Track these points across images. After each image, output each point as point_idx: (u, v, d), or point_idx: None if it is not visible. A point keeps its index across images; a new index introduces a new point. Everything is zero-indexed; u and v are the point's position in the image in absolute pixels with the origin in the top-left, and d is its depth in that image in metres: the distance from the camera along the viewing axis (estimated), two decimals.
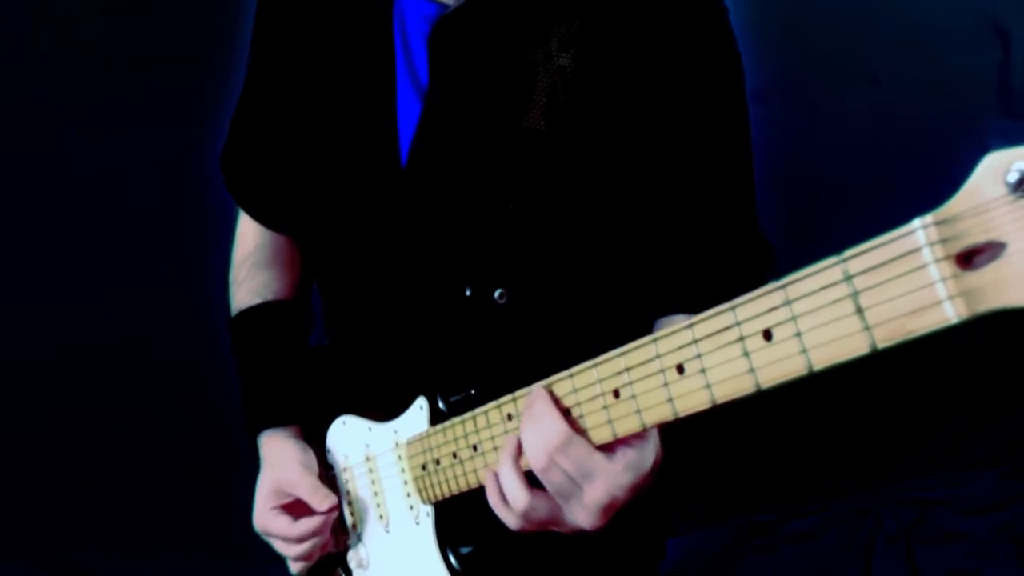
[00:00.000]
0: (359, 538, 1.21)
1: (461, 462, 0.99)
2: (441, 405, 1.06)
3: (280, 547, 1.17)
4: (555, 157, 1.03)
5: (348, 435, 1.19)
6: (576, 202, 1.06)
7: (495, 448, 0.94)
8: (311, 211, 1.19)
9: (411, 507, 1.10)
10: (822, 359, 0.64)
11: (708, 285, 1.04)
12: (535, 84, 1.02)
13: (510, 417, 0.91)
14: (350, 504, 1.21)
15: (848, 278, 0.61)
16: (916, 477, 2.74)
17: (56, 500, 2.83)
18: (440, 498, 1.04)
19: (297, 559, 1.17)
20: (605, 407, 0.81)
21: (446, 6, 1.06)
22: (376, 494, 1.16)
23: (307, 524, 1.13)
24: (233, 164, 1.31)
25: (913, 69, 2.91)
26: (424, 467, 1.05)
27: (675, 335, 0.75)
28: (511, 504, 0.88)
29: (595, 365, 0.82)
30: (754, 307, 0.68)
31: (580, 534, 0.90)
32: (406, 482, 1.10)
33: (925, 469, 2.76)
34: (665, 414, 0.77)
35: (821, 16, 2.90)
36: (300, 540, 1.14)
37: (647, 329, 0.78)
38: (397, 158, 1.09)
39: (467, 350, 1.07)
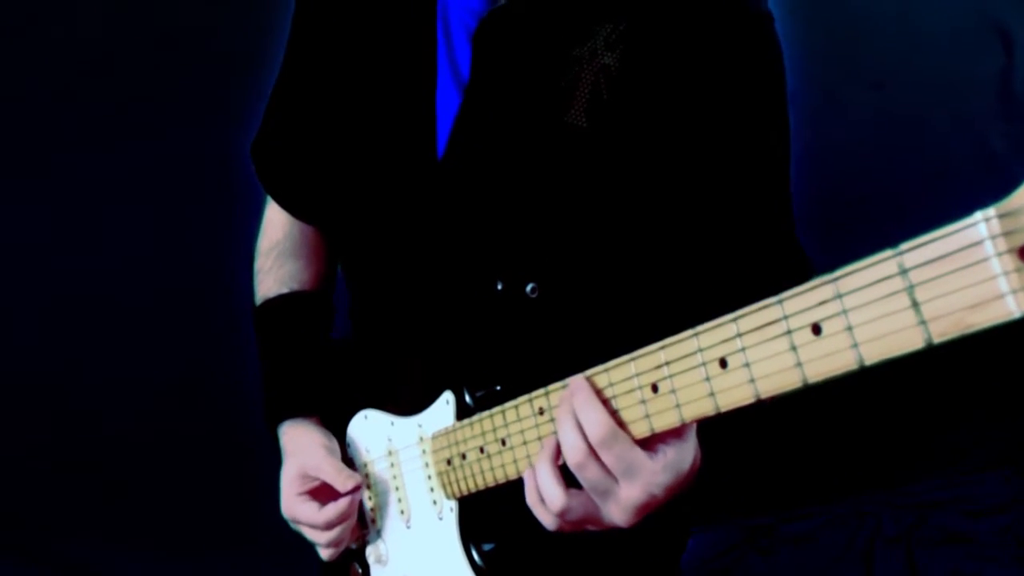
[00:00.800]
0: (378, 533, 1.20)
1: (488, 456, 0.98)
2: (468, 399, 1.05)
3: (309, 534, 1.16)
4: (595, 154, 1.03)
5: (370, 429, 1.19)
6: (613, 199, 1.05)
7: (524, 443, 0.93)
8: (343, 201, 1.19)
9: (434, 502, 1.09)
10: (874, 354, 0.64)
11: (744, 290, 1.04)
12: (578, 81, 1.02)
13: (541, 412, 0.90)
14: (370, 499, 1.20)
15: (904, 271, 0.61)
16: (917, 479, 2.75)
17: (56, 493, 2.81)
18: (465, 493, 1.04)
19: (328, 545, 1.16)
20: (643, 401, 0.80)
21: (495, 1, 1.06)
22: (397, 488, 1.15)
23: (334, 509, 1.13)
24: (266, 153, 1.30)
25: (916, 73, 2.93)
26: (449, 461, 1.05)
27: (718, 328, 0.74)
28: (548, 504, 0.87)
29: (632, 359, 0.81)
30: (803, 301, 0.67)
31: (612, 531, 0.89)
32: (429, 477, 1.09)
33: (926, 471, 2.76)
34: (706, 409, 0.76)
35: (825, 20, 2.91)
36: (328, 527, 1.14)
37: (676, 328, 0.77)
38: (433, 150, 1.09)
39: (496, 344, 1.07)
